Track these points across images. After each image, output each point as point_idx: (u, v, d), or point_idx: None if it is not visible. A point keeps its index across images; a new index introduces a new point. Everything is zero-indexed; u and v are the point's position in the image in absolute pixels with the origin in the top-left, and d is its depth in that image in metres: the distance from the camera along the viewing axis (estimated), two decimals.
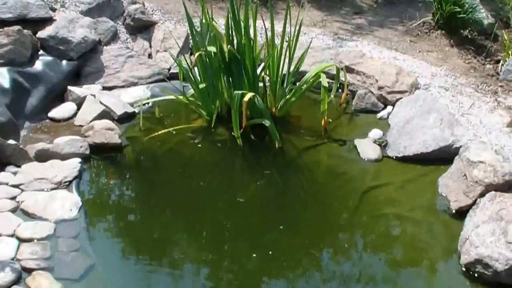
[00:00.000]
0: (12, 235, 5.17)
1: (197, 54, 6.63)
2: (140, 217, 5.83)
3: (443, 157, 6.44)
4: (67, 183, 5.85)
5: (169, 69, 7.70)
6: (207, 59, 6.61)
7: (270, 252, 5.37)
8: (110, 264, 5.14)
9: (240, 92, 6.43)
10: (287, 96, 6.99)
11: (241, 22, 6.55)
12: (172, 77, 7.52)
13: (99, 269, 5.00)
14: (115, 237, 5.50)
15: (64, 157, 6.10)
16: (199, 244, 5.49)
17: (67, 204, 5.57)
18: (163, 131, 6.63)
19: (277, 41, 7.08)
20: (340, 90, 7.35)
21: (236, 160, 6.62)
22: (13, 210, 5.46)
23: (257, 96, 6.50)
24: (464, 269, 5.25)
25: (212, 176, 6.32)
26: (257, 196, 6.13)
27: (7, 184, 5.72)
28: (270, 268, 5.28)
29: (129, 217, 5.82)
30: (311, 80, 6.96)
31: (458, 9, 8.27)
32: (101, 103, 6.86)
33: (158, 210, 5.86)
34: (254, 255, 5.34)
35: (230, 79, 6.75)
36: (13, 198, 5.58)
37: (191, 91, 6.95)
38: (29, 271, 4.85)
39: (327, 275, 5.27)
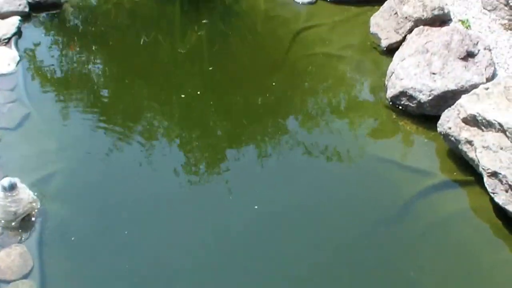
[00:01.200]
0: None
1: None
2: (78, 71, 6.10)
3: None
4: (6, 40, 6.11)
5: None
6: None
7: (198, 92, 5.66)
8: (45, 113, 5.45)
9: None
10: None
11: None
12: None
13: (34, 117, 5.34)
14: (51, 89, 5.79)
15: (3, 15, 6.31)
16: (138, 90, 5.81)
17: (5, 59, 5.84)
18: None
19: None
20: None
21: (176, 12, 6.75)
22: None
23: None
24: (390, 102, 5.48)
25: (152, 30, 6.49)
26: (196, 45, 6.32)
27: None
28: (198, 102, 5.61)
29: (66, 70, 6.09)
30: None
31: None
32: None
33: (96, 64, 6.12)
34: (183, 95, 5.64)
35: None
36: None
37: None
38: None
39: (256, 110, 5.58)
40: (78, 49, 6.15)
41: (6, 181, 4.31)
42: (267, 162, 4.92)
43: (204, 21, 6.54)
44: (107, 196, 4.61)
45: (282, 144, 5.10)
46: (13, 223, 4.30)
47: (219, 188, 4.66)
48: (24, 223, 4.34)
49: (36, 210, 4.44)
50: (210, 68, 5.87)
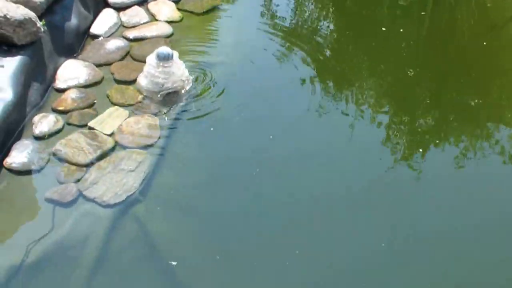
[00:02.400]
0: None
1: None
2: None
3: None
4: None
5: None
6: None
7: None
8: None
9: None
10: None
11: None
12: None
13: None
14: None
15: None
16: None
17: None
18: None
19: None
20: None
21: None
22: None
23: None
24: None
25: None
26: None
27: None
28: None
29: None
30: None
31: None
32: None
33: None
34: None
35: None
36: None
37: None
38: None
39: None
40: None
41: (161, 49, 3.95)
42: None
43: None
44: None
45: None
46: (157, 96, 3.93)
47: None
48: (168, 98, 3.95)
49: (185, 90, 4.02)
50: None
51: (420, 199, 3.39)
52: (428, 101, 4.26)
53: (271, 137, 3.78)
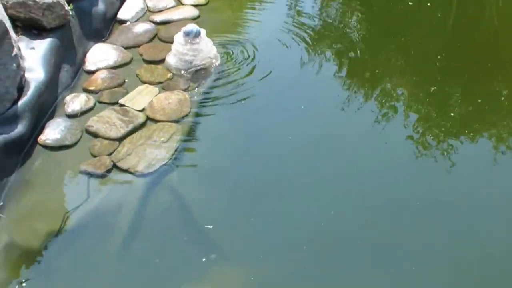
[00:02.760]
0: None
1: None
2: None
3: None
4: None
5: None
6: None
7: None
8: None
9: None
10: None
11: None
12: None
13: None
14: None
15: None
16: None
17: None
18: None
19: None
20: None
21: None
22: None
23: None
24: None
25: None
26: None
27: None
28: None
29: None
30: None
31: None
32: None
33: None
34: None
35: None
36: None
37: None
38: None
39: None
40: None
41: (189, 27, 4.00)
42: None
43: None
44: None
45: None
46: (185, 72, 3.97)
47: None
48: (197, 75, 3.99)
49: (214, 66, 4.05)
50: None
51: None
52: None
53: (302, 107, 3.78)
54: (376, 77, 4.23)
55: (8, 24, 3.40)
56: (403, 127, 3.73)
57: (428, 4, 5.09)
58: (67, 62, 3.91)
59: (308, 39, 4.48)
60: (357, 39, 4.58)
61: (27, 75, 3.53)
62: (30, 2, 3.76)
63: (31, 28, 3.85)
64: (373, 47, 4.54)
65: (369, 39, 4.65)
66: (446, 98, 4.00)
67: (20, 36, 3.77)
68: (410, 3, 5.06)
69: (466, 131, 3.73)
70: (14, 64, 3.38)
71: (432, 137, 3.64)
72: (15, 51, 3.41)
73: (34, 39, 3.80)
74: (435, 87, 4.09)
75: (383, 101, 3.95)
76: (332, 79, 4.15)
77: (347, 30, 4.70)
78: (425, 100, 4.00)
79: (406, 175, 3.35)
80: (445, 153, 3.52)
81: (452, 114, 3.88)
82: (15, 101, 3.35)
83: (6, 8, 3.68)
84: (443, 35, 4.78)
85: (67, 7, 3.93)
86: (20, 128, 3.29)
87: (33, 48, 3.72)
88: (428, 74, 4.25)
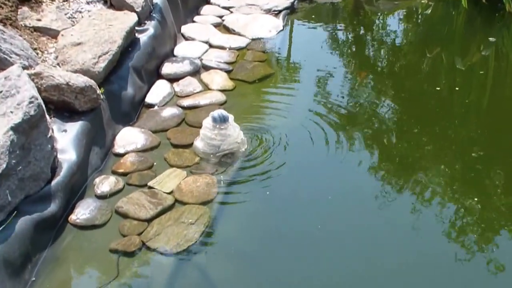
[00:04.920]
0: (206, 42, 5.82)
1: None
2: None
3: None
4: (276, 12, 6.30)
5: None
6: None
7: None
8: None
9: None
10: None
11: None
12: None
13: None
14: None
15: None
16: None
17: (268, 26, 6.00)
18: None
19: None
20: None
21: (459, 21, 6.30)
22: (216, 25, 6.09)
23: None
24: None
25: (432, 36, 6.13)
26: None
27: (219, 5, 6.39)
28: None
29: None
30: None
31: None
32: None
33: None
34: None
35: None
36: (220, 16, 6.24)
37: None
38: (207, 69, 5.43)
39: None
40: (366, 77, 5.77)
41: (217, 112, 4.29)
42: None
43: (491, 39, 5.95)
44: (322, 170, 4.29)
45: None
46: (213, 157, 4.22)
47: None
48: (225, 159, 4.24)
49: (241, 151, 4.31)
50: None
51: None
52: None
53: (329, 197, 3.99)
54: (408, 166, 4.41)
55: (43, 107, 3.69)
56: (441, 222, 3.79)
57: (457, 88, 5.33)
58: (97, 144, 4.18)
59: (335, 125, 4.71)
60: (387, 126, 4.80)
61: (59, 156, 3.78)
62: (63, 86, 4.06)
63: (63, 110, 4.14)
64: (405, 134, 4.73)
65: (400, 126, 4.87)
66: (489, 189, 4.09)
67: (52, 118, 4.05)
68: (437, 88, 5.30)
69: None
70: (49, 145, 3.64)
71: (476, 235, 3.69)
72: (50, 132, 3.69)
73: (66, 121, 4.06)
74: (474, 175, 4.22)
75: (418, 192, 4.08)
76: (361, 168, 4.31)
77: (375, 117, 4.93)
78: (466, 193, 4.07)
79: (444, 276, 3.38)
80: (491, 252, 3.54)
81: (498, 204, 3.93)
82: (49, 181, 3.59)
83: (40, 91, 3.97)
84: (477, 120, 4.97)
85: (98, 91, 4.23)
86: (52, 207, 3.52)
87: (65, 130, 3.99)
88: (466, 163, 4.37)
